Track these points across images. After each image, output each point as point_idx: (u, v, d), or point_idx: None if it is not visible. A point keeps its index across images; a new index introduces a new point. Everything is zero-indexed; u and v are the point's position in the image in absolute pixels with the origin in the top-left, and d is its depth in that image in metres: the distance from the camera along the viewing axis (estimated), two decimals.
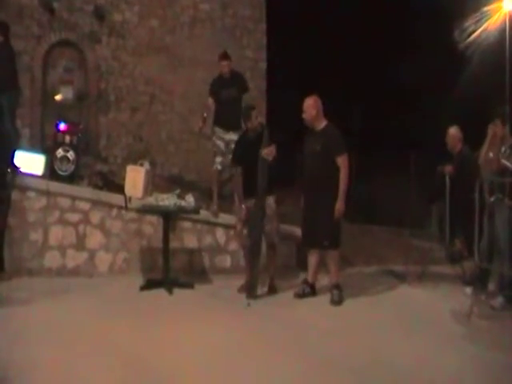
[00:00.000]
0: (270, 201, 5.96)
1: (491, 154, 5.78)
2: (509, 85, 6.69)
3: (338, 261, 5.95)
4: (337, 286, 5.87)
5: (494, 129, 5.86)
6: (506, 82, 6.62)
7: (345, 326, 5.19)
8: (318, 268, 6.03)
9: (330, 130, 5.89)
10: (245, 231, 6.01)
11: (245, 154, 6.00)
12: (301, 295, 5.95)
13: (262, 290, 6.05)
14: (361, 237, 7.68)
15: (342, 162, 5.75)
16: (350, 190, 5.96)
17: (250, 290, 5.89)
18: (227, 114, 6.97)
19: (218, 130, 7.16)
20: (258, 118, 6.24)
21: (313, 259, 6.00)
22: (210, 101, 7.18)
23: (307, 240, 6.02)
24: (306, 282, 6.04)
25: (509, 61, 7.01)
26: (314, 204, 5.85)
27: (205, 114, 7.09)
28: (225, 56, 7.24)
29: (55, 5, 9.56)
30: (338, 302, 5.79)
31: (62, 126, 7.11)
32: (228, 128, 7.04)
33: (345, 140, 5.88)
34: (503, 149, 5.82)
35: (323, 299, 5.90)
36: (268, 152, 5.73)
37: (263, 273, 6.11)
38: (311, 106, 5.85)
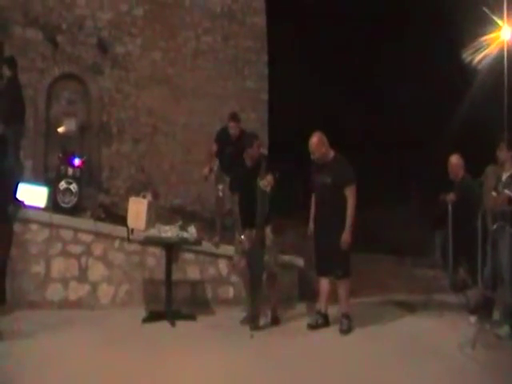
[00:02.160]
0: (268, 230, 5.97)
1: (494, 194, 5.80)
2: (507, 112, 6.77)
3: (349, 290, 5.95)
4: (346, 316, 5.87)
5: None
6: (505, 110, 6.69)
7: (349, 356, 5.16)
8: (329, 297, 6.01)
9: (338, 161, 5.93)
10: (244, 262, 6.00)
11: (243, 182, 6.03)
12: (314, 326, 5.92)
13: (265, 320, 6.01)
14: (363, 266, 7.64)
15: (350, 193, 5.80)
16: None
17: (252, 321, 5.84)
18: (229, 167, 6.93)
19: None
20: (261, 149, 6.26)
21: (325, 288, 6.00)
22: (215, 147, 7.25)
23: (320, 269, 6.03)
24: (319, 312, 6.02)
25: (507, 89, 7.10)
26: (325, 234, 5.88)
27: (212, 165, 7.08)
28: (233, 118, 7.19)
29: (59, 38, 9.71)
30: (346, 331, 5.78)
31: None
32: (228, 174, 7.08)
33: (354, 170, 5.92)
34: (504, 177, 5.85)
35: (329, 329, 5.88)
36: (266, 183, 5.74)
37: (265, 303, 6.08)
38: (319, 145, 5.86)
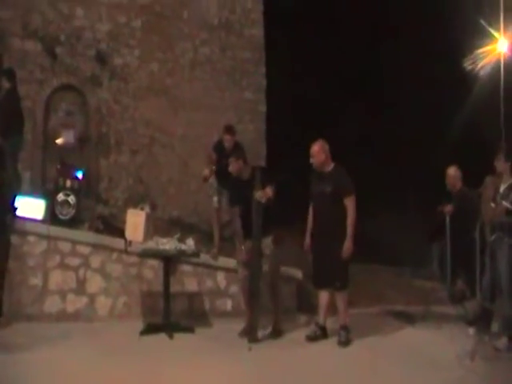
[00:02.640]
0: (268, 241, 5.98)
1: (493, 205, 5.81)
2: (504, 123, 6.81)
3: (347, 301, 5.95)
4: (345, 327, 5.86)
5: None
6: (501, 121, 6.74)
7: (348, 368, 5.16)
8: (328, 309, 6.00)
9: (338, 171, 5.97)
10: (245, 273, 6.02)
11: (240, 194, 6.06)
12: (312, 338, 5.92)
13: (263, 332, 6.00)
14: (361, 277, 7.64)
15: (350, 202, 5.82)
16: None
17: (250, 334, 5.84)
18: (225, 179, 6.96)
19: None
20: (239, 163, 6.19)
21: (324, 300, 6.00)
22: (214, 156, 7.28)
23: (319, 281, 6.03)
24: (317, 324, 6.02)
25: (503, 101, 7.15)
26: (324, 244, 5.88)
27: (214, 168, 7.09)
28: (229, 130, 7.26)
29: (57, 50, 9.74)
30: (345, 343, 5.78)
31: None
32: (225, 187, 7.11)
33: (353, 181, 5.95)
34: (502, 188, 5.87)
35: (328, 341, 5.88)
36: (261, 194, 5.77)
37: (266, 315, 6.07)
38: (319, 151, 5.92)
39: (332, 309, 6.02)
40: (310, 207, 6.14)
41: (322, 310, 6.00)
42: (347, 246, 5.75)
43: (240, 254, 6.12)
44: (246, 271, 6.00)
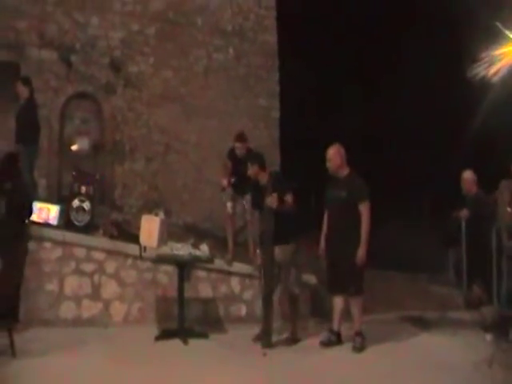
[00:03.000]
0: (287, 250, 5.95)
1: (509, 210, 5.76)
2: None
3: (362, 307, 5.91)
4: (359, 333, 5.82)
5: None
6: None
7: (363, 374, 5.11)
8: (342, 315, 5.97)
9: (354, 177, 5.95)
10: (262, 280, 6.02)
11: (258, 199, 6.07)
12: (327, 344, 5.88)
13: (278, 338, 5.99)
14: (377, 283, 7.59)
15: (365, 209, 5.78)
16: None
17: (264, 339, 5.84)
18: (242, 185, 6.99)
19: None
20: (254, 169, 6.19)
21: (338, 306, 5.96)
22: (229, 164, 7.29)
23: (333, 286, 5.99)
24: (331, 330, 5.98)
25: None
26: (338, 250, 5.86)
27: (232, 180, 7.07)
28: (240, 138, 7.21)
29: (73, 58, 9.83)
30: (359, 348, 5.74)
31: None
32: (240, 194, 7.15)
33: (368, 187, 5.92)
34: None
35: (342, 347, 5.84)
36: (272, 200, 5.76)
37: (283, 322, 6.11)
38: (336, 155, 5.91)
39: (346, 315, 5.98)
40: (325, 212, 6.11)
41: (337, 315, 5.96)
42: (361, 252, 5.72)
43: (257, 258, 6.19)
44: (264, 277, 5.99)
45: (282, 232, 5.81)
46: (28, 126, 7.59)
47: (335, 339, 5.94)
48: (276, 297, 6.11)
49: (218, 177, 8.02)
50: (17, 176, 6.31)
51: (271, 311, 5.94)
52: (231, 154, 7.34)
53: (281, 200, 5.80)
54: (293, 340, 6.05)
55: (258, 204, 6.15)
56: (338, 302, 5.96)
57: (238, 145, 7.18)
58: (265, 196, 5.86)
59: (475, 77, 8.73)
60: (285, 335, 6.08)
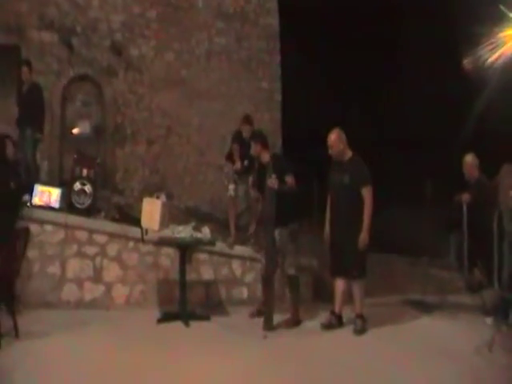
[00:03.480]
0: (284, 233, 5.98)
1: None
2: None
3: (364, 290, 5.93)
4: (360, 316, 5.85)
5: None
6: None
7: (364, 357, 5.14)
8: (344, 298, 6.00)
9: (356, 161, 5.92)
10: (263, 260, 6.08)
11: (260, 179, 6.10)
12: (328, 326, 5.91)
13: (278, 320, 6.02)
14: (378, 267, 7.60)
15: (367, 193, 5.77)
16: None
17: (266, 321, 5.87)
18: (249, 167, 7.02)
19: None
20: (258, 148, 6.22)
21: (340, 289, 5.98)
22: (235, 146, 7.31)
23: (336, 269, 6.00)
24: (333, 312, 6.00)
25: None
26: (341, 234, 5.86)
27: (246, 162, 7.04)
28: (247, 120, 7.26)
29: (74, 41, 9.78)
30: (360, 331, 5.77)
31: None
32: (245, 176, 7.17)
33: (370, 171, 5.91)
34: None
35: (343, 330, 5.88)
36: (272, 180, 5.78)
37: (283, 304, 6.16)
38: (337, 140, 5.88)
39: (348, 298, 6.01)
40: (328, 196, 6.11)
41: (338, 298, 5.99)
42: (363, 236, 5.73)
43: (260, 239, 6.28)
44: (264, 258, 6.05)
45: (282, 214, 5.82)
46: (34, 110, 7.62)
47: (336, 322, 5.96)
48: (277, 279, 6.13)
49: (221, 160, 8.03)
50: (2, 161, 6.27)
51: (272, 293, 5.97)
52: (237, 136, 7.32)
53: (281, 181, 5.81)
54: (294, 322, 6.08)
55: (258, 185, 6.17)
56: (339, 284, 5.98)
57: (245, 127, 7.19)
58: (266, 177, 5.87)
59: (478, 60, 8.68)
60: (286, 317, 6.10)
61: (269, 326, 5.83)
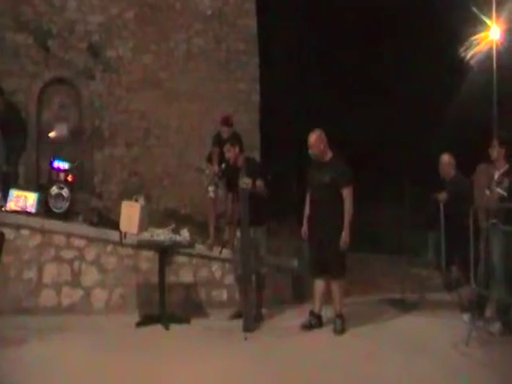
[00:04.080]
0: (259, 231, 6.10)
1: (488, 192, 5.83)
2: (497, 110, 6.82)
3: (344, 290, 5.97)
4: (340, 316, 5.89)
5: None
6: (494, 108, 6.74)
7: (344, 356, 5.17)
8: (324, 298, 6.03)
9: (337, 161, 5.96)
10: (236, 261, 6.23)
11: (233, 182, 6.17)
12: (308, 327, 5.93)
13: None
14: (357, 266, 7.67)
15: (348, 193, 5.82)
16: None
17: (245, 323, 5.88)
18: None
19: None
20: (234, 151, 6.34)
21: (320, 288, 6.01)
22: (215, 149, 7.30)
23: (315, 269, 6.02)
24: (312, 313, 6.02)
25: (496, 87, 7.14)
26: (321, 233, 5.88)
27: (223, 166, 6.96)
28: (226, 122, 7.25)
29: (50, 43, 9.68)
30: (340, 331, 5.80)
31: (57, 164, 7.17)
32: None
33: (352, 171, 5.95)
34: (496, 175, 5.87)
35: (323, 330, 5.91)
36: (245, 181, 5.88)
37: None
38: (317, 141, 5.91)
39: (327, 298, 6.03)
40: (307, 195, 6.13)
41: (318, 298, 6.01)
42: (345, 236, 5.75)
43: (233, 240, 6.36)
44: (237, 258, 6.18)
45: (255, 214, 5.92)
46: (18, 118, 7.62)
47: (316, 322, 5.98)
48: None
49: (200, 162, 8.00)
50: None
51: (250, 293, 6.01)
52: (217, 138, 7.31)
53: (253, 184, 5.92)
54: (258, 317, 6.17)
55: (232, 186, 6.26)
56: (319, 284, 6.00)
57: (224, 128, 7.18)
58: (238, 178, 5.98)
59: (453, 62, 8.79)
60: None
61: (248, 327, 5.84)
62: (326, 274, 5.91)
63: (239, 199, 6.01)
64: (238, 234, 6.19)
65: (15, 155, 7.68)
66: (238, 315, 6.18)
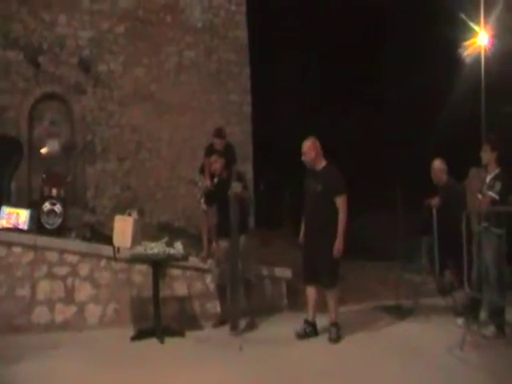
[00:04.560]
0: (243, 239, 6.25)
1: (480, 196, 5.85)
2: (485, 114, 6.84)
3: (338, 298, 5.96)
4: (335, 324, 5.87)
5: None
6: (482, 112, 6.76)
7: (340, 364, 5.17)
8: (317, 306, 6.03)
9: (330, 170, 5.96)
10: (218, 270, 6.42)
11: (218, 192, 6.34)
12: (302, 335, 5.92)
13: (243, 325, 6.23)
14: (351, 273, 7.66)
15: (342, 202, 5.81)
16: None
17: (232, 324, 6.10)
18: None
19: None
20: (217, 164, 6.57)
21: (312, 297, 6.01)
22: (207, 161, 7.27)
23: (308, 277, 6.02)
24: (306, 321, 6.01)
25: (484, 91, 7.17)
26: (314, 242, 5.89)
27: (215, 180, 6.93)
28: (219, 134, 7.24)
29: (40, 58, 9.71)
30: (335, 339, 5.79)
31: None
32: None
33: (345, 180, 5.95)
34: (488, 179, 5.88)
35: (319, 338, 5.90)
36: (237, 185, 6.08)
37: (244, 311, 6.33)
38: (310, 149, 5.92)
39: (323, 306, 6.02)
40: (305, 204, 6.14)
41: (311, 306, 6.00)
42: (338, 244, 5.75)
43: (215, 249, 6.53)
44: (219, 267, 6.40)
45: (242, 221, 6.19)
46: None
47: (311, 330, 5.97)
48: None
49: (192, 174, 7.99)
50: None
51: (235, 300, 6.15)
52: (209, 149, 7.30)
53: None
54: (251, 324, 6.33)
55: (216, 198, 6.45)
56: (311, 292, 6.00)
57: (217, 140, 7.17)
58: (224, 189, 6.18)
59: (442, 68, 8.85)
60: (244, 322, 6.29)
61: (235, 328, 6.04)
62: (318, 282, 5.91)
63: (229, 205, 6.14)
64: (220, 243, 6.44)
65: (9, 171, 7.67)
66: (220, 322, 6.39)
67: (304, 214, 6.09)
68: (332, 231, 5.76)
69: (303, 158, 5.95)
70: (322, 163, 5.97)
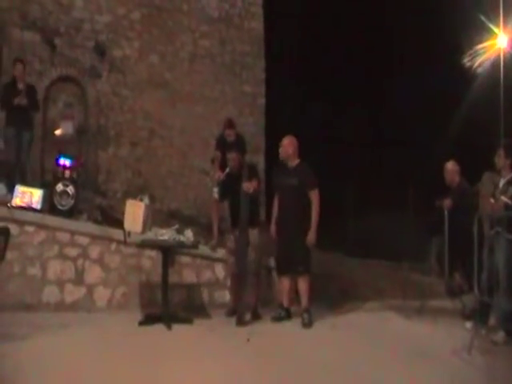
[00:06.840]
0: (253, 232, 6.37)
1: (493, 200, 5.86)
2: (503, 118, 6.85)
3: (310, 285, 6.27)
4: (307, 310, 6.21)
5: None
6: (501, 116, 6.76)
7: (345, 361, 5.13)
8: (291, 293, 6.41)
9: (303, 166, 6.40)
10: (232, 259, 6.46)
11: (230, 188, 6.46)
12: (277, 318, 6.29)
13: (249, 316, 6.25)
14: (360, 271, 7.68)
15: (315, 196, 6.25)
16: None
17: (238, 318, 6.12)
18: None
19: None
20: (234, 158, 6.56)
21: (286, 285, 6.41)
22: (217, 154, 7.35)
23: (283, 267, 6.44)
24: (281, 306, 6.41)
25: (503, 95, 7.17)
26: (289, 234, 6.29)
27: (227, 170, 6.90)
28: (230, 125, 7.33)
29: (57, 41, 9.70)
30: (308, 324, 6.11)
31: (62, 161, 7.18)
32: None
33: (316, 176, 6.34)
34: (501, 184, 5.88)
35: (325, 332, 5.94)
36: (247, 185, 6.19)
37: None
38: (288, 145, 6.40)
39: (312, 295, 6.31)
40: (275, 198, 6.55)
41: (285, 294, 6.41)
42: (311, 237, 6.16)
43: (228, 241, 6.60)
44: (233, 258, 6.44)
45: (253, 216, 6.32)
46: (30, 113, 7.74)
47: (285, 314, 6.35)
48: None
49: (204, 163, 8.00)
50: None
51: (243, 290, 6.28)
52: (220, 141, 7.31)
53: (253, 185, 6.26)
54: (256, 316, 6.39)
55: (229, 191, 6.52)
56: (284, 281, 6.41)
57: (228, 132, 7.21)
58: (237, 184, 6.26)
59: (460, 69, 8.82)
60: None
61: (241, 321, 6.09)
62: (292, 271, 6.29)
63: (238, 203, 6.25)
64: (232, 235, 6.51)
65: (25, 150, 7.72)
66: (232, 312, 6.43)
67: (277, 208, 6.48)
68: (305, 223, 6.17)
69: (279, 150, 6.40)
70: (295, 161, 6.38)
